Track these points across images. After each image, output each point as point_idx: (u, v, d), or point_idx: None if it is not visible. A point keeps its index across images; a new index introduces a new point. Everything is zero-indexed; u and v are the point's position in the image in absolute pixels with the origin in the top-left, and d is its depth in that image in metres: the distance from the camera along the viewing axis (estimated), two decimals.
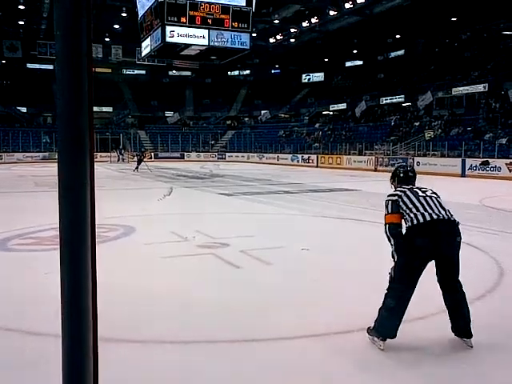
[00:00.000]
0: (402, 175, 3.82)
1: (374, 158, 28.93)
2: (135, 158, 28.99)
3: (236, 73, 53.83)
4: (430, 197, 3.58)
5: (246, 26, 16.01)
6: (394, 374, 3.25)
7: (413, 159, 25.99)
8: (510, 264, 5.93)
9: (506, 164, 21.04)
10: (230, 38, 15.65)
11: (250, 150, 42.91)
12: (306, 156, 35.48)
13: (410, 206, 3.49)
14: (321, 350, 3.57)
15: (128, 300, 4.63)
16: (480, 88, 31.46)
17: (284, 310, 4.34)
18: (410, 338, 3.66)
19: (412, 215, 3.47)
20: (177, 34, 13.36)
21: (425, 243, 3.42)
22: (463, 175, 22.41)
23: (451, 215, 3.53)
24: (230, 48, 15.65)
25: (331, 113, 45.25)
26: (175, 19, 13.16)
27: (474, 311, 3.59)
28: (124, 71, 51.18)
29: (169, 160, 41.83)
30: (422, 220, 3.43)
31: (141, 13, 14.47)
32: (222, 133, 51.02)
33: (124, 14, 35.08)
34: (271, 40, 41.98)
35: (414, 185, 3.77)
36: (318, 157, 33.90)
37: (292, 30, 39.58)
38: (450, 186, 15.51)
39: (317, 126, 43.97)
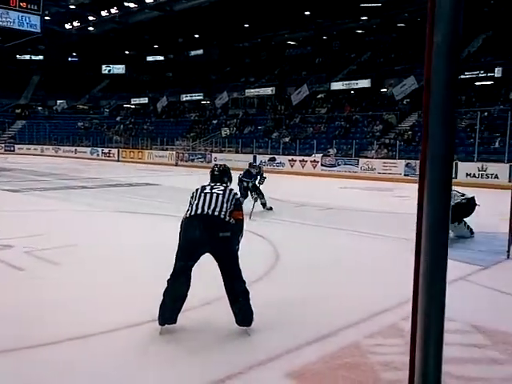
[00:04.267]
0: (210, 173, 4.25)
1: (175, 153, 29.61)
2: None
3: (27, 57, 49.02)
4: (211, 194, 3.84)
5: (35, 7, 14.89)
6: (173, 362, 3.35)
7: (211, 155, 27.41)
8: (285, 248, 6.77)
9: (289, 160, 23.86)
10: (18, 19, 14.36)
11: (45, 143, 39.72)
12: (106, 150, 34.41)
13: (192, 201, 3.87)
14: (103, 346, 3.58)
15: None
16: (268, 91, 34.71)
17: (70, 311, 4.23)
18: (192, 325, 3.90)
19: (187, 210, 3.84)
20: None
21: (187, 236, 3.71)
22: None
23: (221, 212, 3.70)
24: (17, 30, 14.35)
25: (133, 106, 44.65)
26: None
27: (254, 293, 3.76)
28: None
29: None
30: (188, 214, 3.79)
31: None
32: (11, 122, 46.03)
33: None
34: (67, 26, 39.43)
35: (220, 182, 4.06)
36: (119, 151, 33.22)
37: (90, 18, 37.82)
38: None
39: (118, 119, 42.95)
